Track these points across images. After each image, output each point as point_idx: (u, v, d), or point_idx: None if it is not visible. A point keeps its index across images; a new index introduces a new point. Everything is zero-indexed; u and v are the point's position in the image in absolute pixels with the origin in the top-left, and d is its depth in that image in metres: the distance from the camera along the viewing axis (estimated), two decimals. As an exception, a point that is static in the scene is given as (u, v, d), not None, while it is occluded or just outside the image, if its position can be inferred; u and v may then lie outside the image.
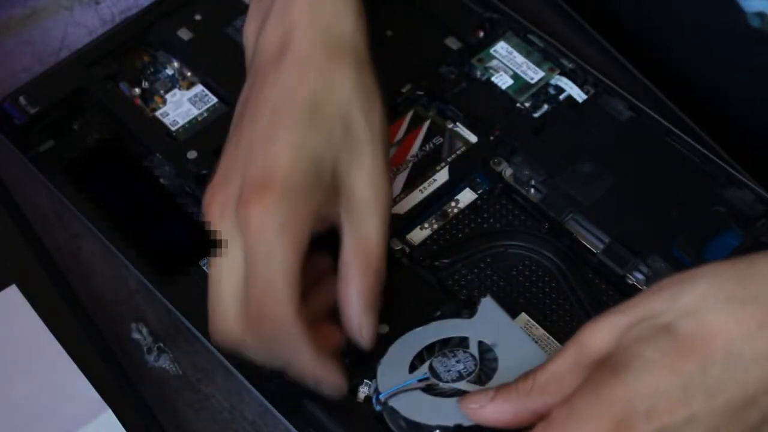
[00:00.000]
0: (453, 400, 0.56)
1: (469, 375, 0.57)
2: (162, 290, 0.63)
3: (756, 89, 0.73)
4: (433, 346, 0.58)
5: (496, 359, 0.57)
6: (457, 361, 0.57)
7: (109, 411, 0.57)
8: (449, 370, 0.57)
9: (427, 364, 0.57)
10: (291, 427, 0.59)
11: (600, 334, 0.51)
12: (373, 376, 0.59)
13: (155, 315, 0.64)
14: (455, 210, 0.65)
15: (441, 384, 0.57)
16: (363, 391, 0.59)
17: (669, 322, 0.49)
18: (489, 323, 0.58)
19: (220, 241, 0.55)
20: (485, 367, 0.57)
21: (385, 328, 0.60)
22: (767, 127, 0.75)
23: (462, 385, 0.56)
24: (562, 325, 0.61)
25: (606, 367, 0.49)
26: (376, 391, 0.57)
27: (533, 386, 0.52)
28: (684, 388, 0.48)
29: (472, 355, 0.57)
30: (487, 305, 0.59)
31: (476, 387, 0.56)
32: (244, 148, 0.56)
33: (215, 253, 0.56)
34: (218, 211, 0.55)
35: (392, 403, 0.56)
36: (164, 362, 0.63)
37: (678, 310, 0.49)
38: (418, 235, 0.64)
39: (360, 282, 0.57)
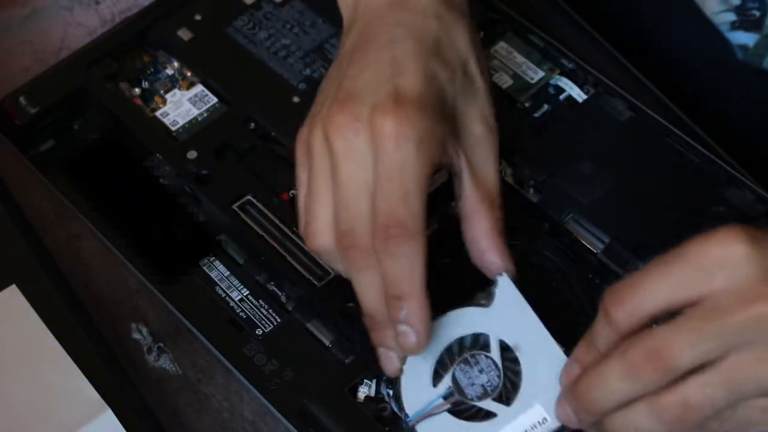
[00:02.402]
0: (481, 425, 0.55)
1: (493, 391, 0.56)
2: (162, 290, 0.63)
3: (753, 116, 0.74)
4: (452, 347, 0.57)
5: (517, 361, 0.57)
6: (480, 371, 0.57)
7: (109, 411, 0.57)
8: (473, 384, 0.57)
9: (450, 375, 0.57)
10: (291, 427, 0.59)
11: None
12: (373, 376, 0.59)
13: (155, 315, 0.64)
14: (455, 210, 0.65)
15: (467, 401, 0.56)
16: (363, 391, 0.59)
17: None
18: (507, 314, 0.57)
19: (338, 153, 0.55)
20: (508, 376, 0.56)
21: (385, 328, 0.60)
22: (767, 127, 0.75)
23: (487, 404, 0.56)
24: (562, 326, 0.61)
25: None
26: (403, 410, 0.57)
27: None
28: None
29: (494, 362, 0.57)
30: (504, 287, 0.58)
31: (502, 407, 0.56)
32: (372, 73, 0.56)
33: (319, 171, 0.56)
34: (351, 124, 0.55)
35: (420, 429, 0.56)
36: (164, 362, 0.63)
37: None
38: (418, 235, 0.64)
39: (490, 218, 0.58)
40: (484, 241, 0.58)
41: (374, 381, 0.59)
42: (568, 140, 0.67)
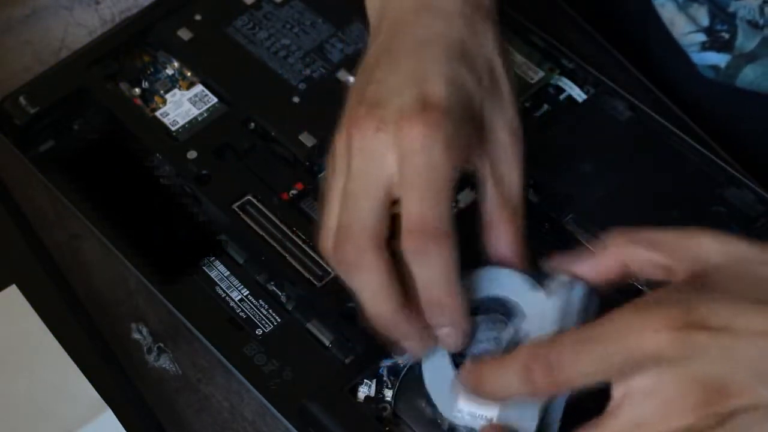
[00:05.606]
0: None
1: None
2: (162, 290, 0.63)
3: (736, 126, 0.75)
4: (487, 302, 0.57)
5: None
6: (494, 337, 0.56)
7: (109, 411, 0.58)
8: (480, 341, 0.56)
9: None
10: (291, 427, 0.59)
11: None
12: (373, 376, 0.59)
13: (155, 315, 0.64)
14: (455, 210, 0.65)
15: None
16: (363, 391, 0.59)
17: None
18: (551, 314, 0.55)
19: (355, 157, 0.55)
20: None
21: (384, 328, 0.60)
22: (766, 127, 0.75)
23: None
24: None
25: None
26: None
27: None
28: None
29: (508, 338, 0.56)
30: (569, 294, 0.55)
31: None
32: (398, 78, 0.56)
33: (336, 170, 0.56)
34: (374, 126, 0.55)
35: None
36: (164, 362, 0.63)
37: None
38: (418, 235, 0.64)
39: (512, 227, 0.58)
40: (506, 250, 0.58)
41: (374, 381, 0.59)
42: (568, 140, 0.67)
